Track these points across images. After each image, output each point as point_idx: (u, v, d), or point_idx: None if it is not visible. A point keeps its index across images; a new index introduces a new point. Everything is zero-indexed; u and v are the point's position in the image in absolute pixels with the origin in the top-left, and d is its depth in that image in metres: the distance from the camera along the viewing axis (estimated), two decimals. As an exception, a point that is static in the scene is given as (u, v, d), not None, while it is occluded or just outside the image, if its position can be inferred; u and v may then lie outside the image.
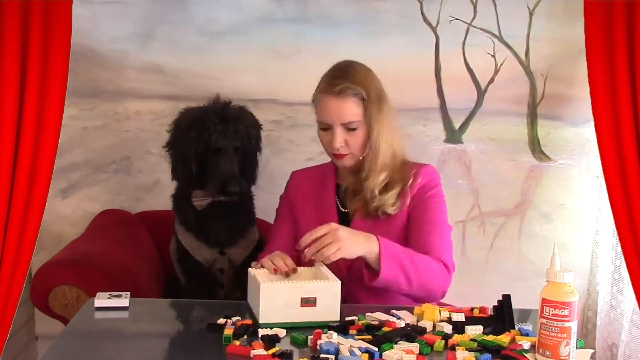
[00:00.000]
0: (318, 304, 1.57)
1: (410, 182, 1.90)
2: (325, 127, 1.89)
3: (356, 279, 1.80)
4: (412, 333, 1.52)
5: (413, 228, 1.90)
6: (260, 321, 1.55)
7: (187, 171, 2.13)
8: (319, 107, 1.90)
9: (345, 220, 1.93)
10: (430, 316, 1.61)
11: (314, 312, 1.58)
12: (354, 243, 1.70)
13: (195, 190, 2.17)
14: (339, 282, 1.61)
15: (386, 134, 1.89)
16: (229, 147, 2.10)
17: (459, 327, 1.56)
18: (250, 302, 1.68)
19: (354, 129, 1.86)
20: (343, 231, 1.70)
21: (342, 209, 1.97)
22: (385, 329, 1.55)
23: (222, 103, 2.14)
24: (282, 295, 1.57)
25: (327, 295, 1.59)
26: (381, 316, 1.62)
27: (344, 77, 1.85)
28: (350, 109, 1.85)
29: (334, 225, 1.72)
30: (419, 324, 1.60)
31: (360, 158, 1.90)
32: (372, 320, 1.60)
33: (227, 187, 2.08)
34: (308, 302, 1.57)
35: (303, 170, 2.11)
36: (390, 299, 1.81)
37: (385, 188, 1.89)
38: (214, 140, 2.07)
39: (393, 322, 1.58)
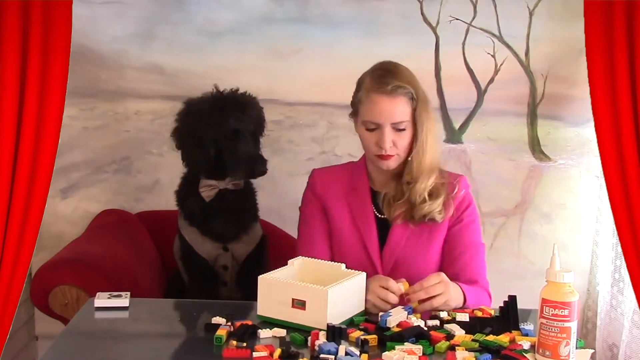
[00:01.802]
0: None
1: (455, 192, 1.89)
2: (372, 128, 1.84)
3: None
4: (425, 332, 1.52)
5: (452, 249, 1.90)
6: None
7: (206, 157, 2.13)
8: (368, 105, 1.83)
9: (383, 227, 1.91)
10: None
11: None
12: (457, 297, 1.72)
13: (203, 180, 2.18)
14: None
15: (432, 136, 1.86)
16: (246, 131, 2.12)
17: (469, 329, 1.56)
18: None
19: (402, 129, 1.83)
20: (451, 284, 1.71)
21: (378, 214, 1.92)
22: (395, 328, 1.54)
23: (230, 90, 2.17)
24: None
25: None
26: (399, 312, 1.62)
27: (392, 76, 1.82)
28: (401, 108, 1.81)
29: (444, 276, 1.71)
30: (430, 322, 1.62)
31: (409, 159, 1.86)
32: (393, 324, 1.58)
33: (254, 168, 2.11)
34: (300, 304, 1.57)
35: (325, 169, 2.04)
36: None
37: (431, 194, 1.86)
38: (233, 124, 2.09)
39: (407, 322, 1.59)
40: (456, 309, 1.70)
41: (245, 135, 2.12)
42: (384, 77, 1.82)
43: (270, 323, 1.59)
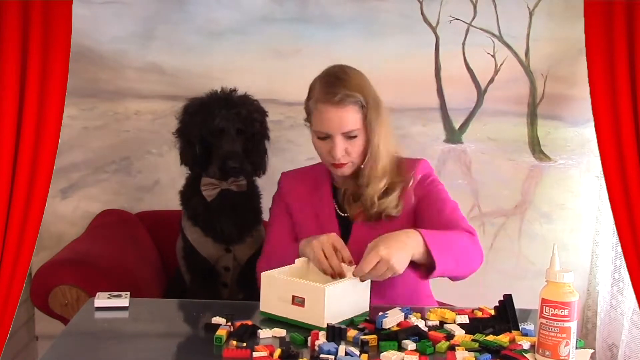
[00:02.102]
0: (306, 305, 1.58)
1: (411, 184, 1.88)
2: (323, 136, 1.84)
3: None
4: (423, 332, 1.52)
5: (426, 212, 1.87)
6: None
7: (192, 154, 2.17)
8: (317, 116, 1.83)
9: (345, 224, 1.92)
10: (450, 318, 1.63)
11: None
12: (402, 256, 1.60)
13: (204, 178, 2.19)
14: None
15: (385, 139, 1.85)
16: (231, 129, 2.13)
17: (469, 330, 1.56)
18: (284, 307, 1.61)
19: (354, 137, 1.82)
20: (391, 250, 1.58)
21: (340, 212, 1.94)
22: (394, 328, 1.55)
23: (227, 90, 2.20)
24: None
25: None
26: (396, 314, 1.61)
27: (340, 85, 1.80)
28: (350, 117, 1.80)
29: (382, 250, 1.58)
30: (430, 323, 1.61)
31: (362, 165, 1.86)
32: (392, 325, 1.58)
33: (227, 163, 2.11)
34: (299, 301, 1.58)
35: (293, 171, 2.08)
36: (394, 298, 1.81)
37: (386, 192, 1.86)
38: (217, 122, 2.11)
39: (407, 322, 1.59)
40: (457, 310, 1.69)
41: (230, 133, 2.13)
42: (332, 86, 1.80)
43: (271, 321, 1.60)
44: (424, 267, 1.70)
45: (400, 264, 1.60)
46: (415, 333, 1.50)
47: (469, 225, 1.82)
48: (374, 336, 1.48)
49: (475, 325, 1.57)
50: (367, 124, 1.82)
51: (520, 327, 1.58)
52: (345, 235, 1.89)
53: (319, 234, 1.88)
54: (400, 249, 1.61)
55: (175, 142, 2.22)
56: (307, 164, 2.13)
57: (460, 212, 1.89)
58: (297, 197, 1.99)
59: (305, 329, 1.53)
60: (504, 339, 1.50)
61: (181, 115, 2.20)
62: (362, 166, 1.86)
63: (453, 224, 1.80)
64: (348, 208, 1.92)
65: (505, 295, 1.63)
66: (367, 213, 1.88)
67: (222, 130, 2.13)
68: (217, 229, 2.19)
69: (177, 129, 2.21)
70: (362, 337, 1.47)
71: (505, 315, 1.61)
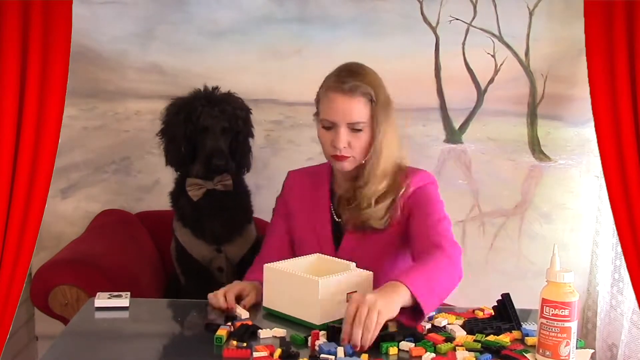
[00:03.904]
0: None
1: (402, 193, 1.83)
2: (328, 126, 1.81)
3: None
4: (418, 334, 1.52)
5: (414, 226, 1.81)
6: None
7: (177, 153, 2.17)
8: (325, 104, 1.82)
9: (338, 231, 1.89)
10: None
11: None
12: (388, 302, 1.49)
13: (189, 179, 2.19)
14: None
15: (390, 141, 1.83)
16: (216, 127, 2.14)
17: (470, 330, 1.56)
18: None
19: (359, 130, 1.79)
20: (371, 296, 1.48)
21: (336, 218, 1.91)
22: (392, 329, 1.54)
23: (209, 88, 2.20)
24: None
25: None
26: None
27: (353, 76, 1.80)
28: (358, 108, 1.79)
29: (357, 296, 1.49)
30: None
31: (363, 162, 1.83)
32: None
33: (211, 160, 2.12)
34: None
35: (299, 170, 2.06)
36: None
37: (377, 200, 1.82)
38: (202, 120, 2.12)
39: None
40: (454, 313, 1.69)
41: (215, 131, 2.13)
42: (345, 76, 1.81)
43: (271, 318, 1.61)
44: (409, 310, 1.56)
45: (383, 303, 1.47)
46: (411, 334, 1.50)
47: (451, 242, 1.74)
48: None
49: (476, 326, 1.57)
50: (374, 120, 1.80)
51: (521, 327, 1.58)
52: (337, 242, 1.88)
53: (313, 238, 1.90)
54: (384, 295, 1.51)
55: (159, 143, 2.22)
56: (307, 164, 2.13)
57: (447, 228, 1.79)
58: (298, 198, 1.97)
59: (305, 329, 1.53)
60: (504, 339, 1.50)
61: (165, 116, 2.21)
62: (364, 162, 1.83)
63: (437, 245, 1.71)
64: (342, 212, 1.88)
65: (503, 295, 1.63)
66: (356, 218, 1.83)
67: (206, 128, 2.13)
68: (206, 230, 2.19)
69: (161, 129, 2.22)
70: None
71: (506, 314, 1.61)
